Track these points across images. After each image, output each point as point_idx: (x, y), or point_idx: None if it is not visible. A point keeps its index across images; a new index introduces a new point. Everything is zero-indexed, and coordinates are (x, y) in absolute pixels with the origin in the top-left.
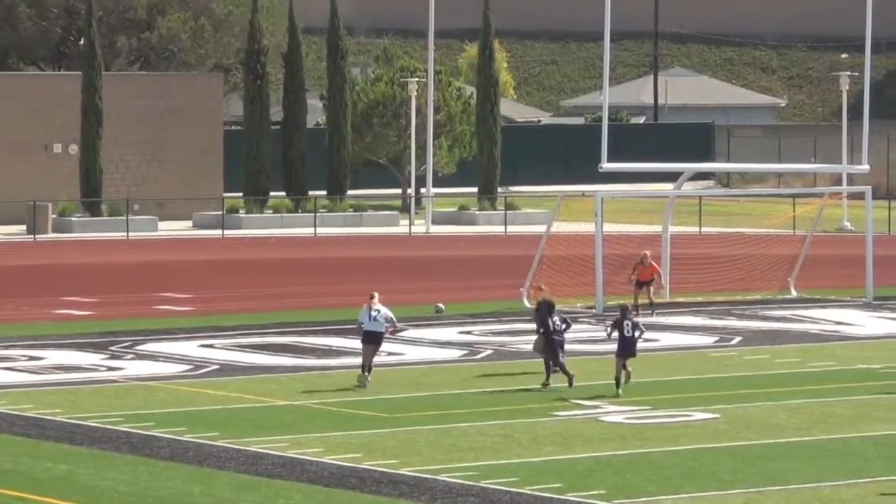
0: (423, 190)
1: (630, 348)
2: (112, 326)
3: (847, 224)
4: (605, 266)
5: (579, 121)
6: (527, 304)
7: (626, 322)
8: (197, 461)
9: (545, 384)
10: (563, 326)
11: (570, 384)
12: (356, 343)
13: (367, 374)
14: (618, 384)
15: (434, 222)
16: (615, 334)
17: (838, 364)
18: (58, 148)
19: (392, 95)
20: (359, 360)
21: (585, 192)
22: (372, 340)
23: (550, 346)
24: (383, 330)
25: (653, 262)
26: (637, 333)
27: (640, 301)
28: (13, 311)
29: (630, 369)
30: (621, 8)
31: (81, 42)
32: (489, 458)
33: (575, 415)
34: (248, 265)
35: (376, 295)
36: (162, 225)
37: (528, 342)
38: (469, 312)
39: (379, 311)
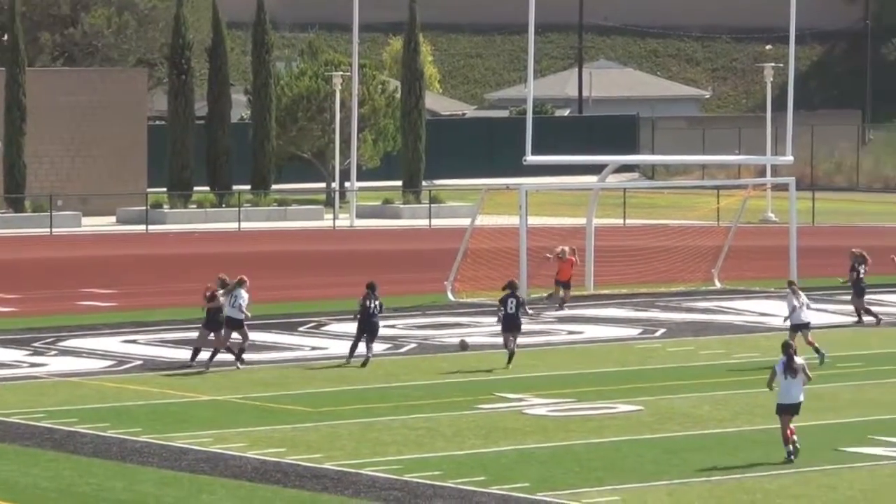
0: (347, 184)
1: (514, 322)
2: (35, 322)
3: (771, 215)
4: (530, 259)
5: (504, 114)
6: (451, 297)
7: (510, 300)
8: (120, 457)
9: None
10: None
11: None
12: (280, 337)
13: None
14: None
15: (358, 216)
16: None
17: (762, 355)
18: None
19: (316, 89)
20: (281, 355)
21: (510, 185)
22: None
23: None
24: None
25: (571, 256)
26: (521, 310)
27: (560, 293)
28: None
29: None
30: (546, 0)
31: (5, 38)
32: (413, 452)
33: (499, 407)
34: (171, 260)
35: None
36: (86, 220)
37: (452, 335)
38: (393, 306)
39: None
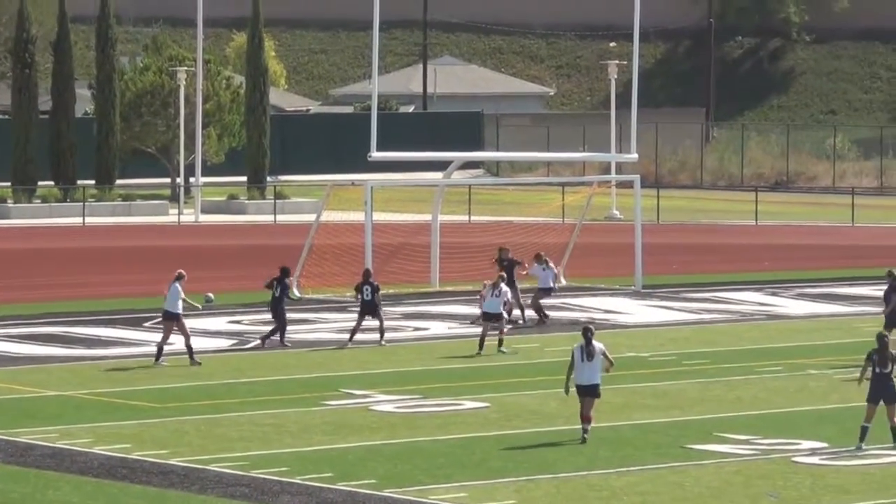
0: (192, 179)
1: (370, 307)
2: None
3: (616, 212)
4: (375, 255)
5: (349, 110)
6: (296, 293)
7: (365, 286)
8: None
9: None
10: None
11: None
12: (125, 332)
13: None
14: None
15: (203, 211)
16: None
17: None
18: None
19: (161, 84)
20: (127, 351)
21: (355, 181)
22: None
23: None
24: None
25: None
26: (377, 296)
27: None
28: None
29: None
30: None
31: None
32: (260, 448)
33: (346, 404)
34: (16, 255)
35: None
36: None
37: (298, 331)
38: (239, 302)
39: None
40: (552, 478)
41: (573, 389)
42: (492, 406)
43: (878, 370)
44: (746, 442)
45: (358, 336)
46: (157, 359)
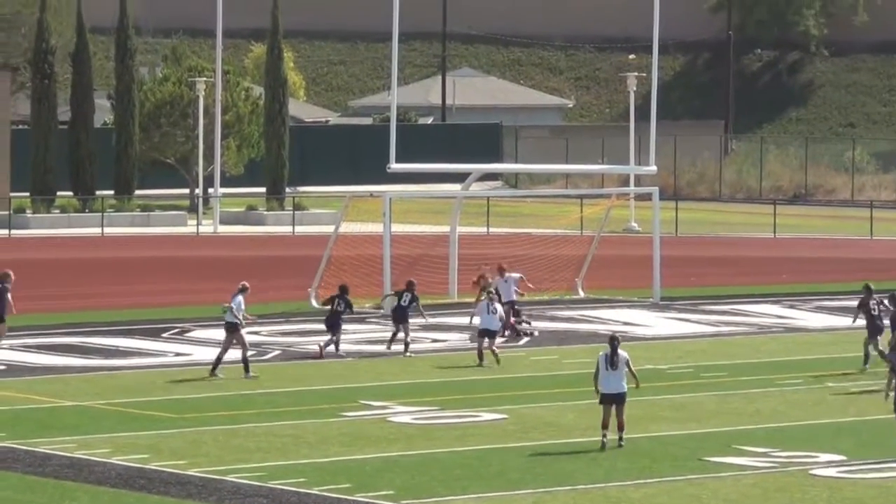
0: (210, 190)
1: (402, 315)
2: None
3: (634, 225)
4: (394, 267)
5: (367, 121)
6: (314, 304)
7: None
8: None
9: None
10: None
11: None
12: (144, 343)
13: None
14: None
15: (222, 222)
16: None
17: (632, 364)
18: None
19: (180, 95)
20: (145, 361)
21: (374, 193)
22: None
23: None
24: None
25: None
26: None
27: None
28: None
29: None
30: (409, 8)
31: None
32: (277, 459)
33: (363, 415)
34: (35, 265)
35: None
36: None
37: (316, 343)
38: (257, 313)
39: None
40: (570, 489)
41: (598, 397)
42: (509, 418)
43: None
44: (764, 455)
45: (378, 347)
46: (213, 371)
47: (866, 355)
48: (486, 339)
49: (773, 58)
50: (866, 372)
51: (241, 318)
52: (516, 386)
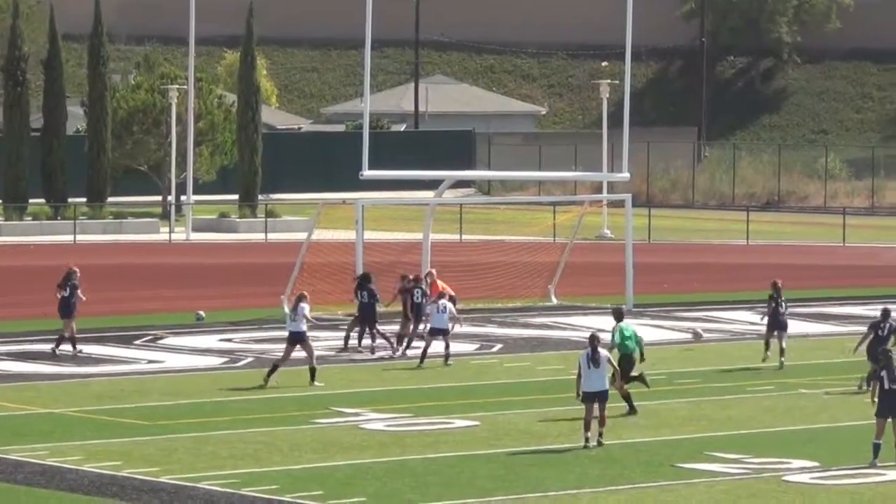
0: (183, 197)
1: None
2: None
3: (607, 232)
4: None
5: (340, 128)
6: (286, 311)
7: (416, 290)
8: None
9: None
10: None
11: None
12: (116, 350)
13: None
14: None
15: (194, 230)
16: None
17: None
18: None
19: (153, 103)
20: (117, 368)
21: (346, 200)
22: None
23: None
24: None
25: (438, 281)
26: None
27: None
28: None
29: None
30: (382, 15)
31: None
32: (250, 466)
33: (336, 422)
34: (6, 273)
35: None
36: None
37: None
38: (230, 320)
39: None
40: (541, 496)
41: (580, 397)
42: (482, 424)
43: (886, 386)
44: (737, 461)
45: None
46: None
47: (767, 343)
48: (432, 338)
49: (747, 65)
50: (766, 360)
51: (306, 324)
52: (489, 393)
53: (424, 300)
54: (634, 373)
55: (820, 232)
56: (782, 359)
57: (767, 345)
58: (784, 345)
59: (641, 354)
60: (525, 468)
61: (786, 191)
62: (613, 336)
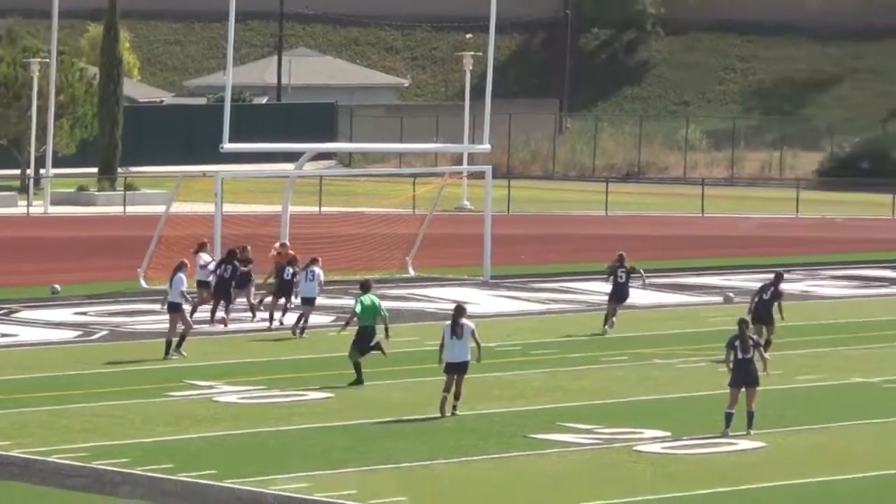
0: (42, 171)
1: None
2: None
3: (467, 203)
4: (224, 247)
5: (202, 101)
6: (144, 284)
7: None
8: None
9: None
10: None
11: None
12: None
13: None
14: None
15: (53, 203)
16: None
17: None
18: None
19: (14, 76)
20: None
21: (206, 173)
22: None
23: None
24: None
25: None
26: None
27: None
28: None
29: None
30: None
31: None
32: (102, 439)
33: (189, 395)
34: None
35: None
36: None
37: (145, 323)
38: (86, 293)
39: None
40: (394, 468)
41: (442, 366)
42: (335, 396)
43: (740, 356)
44: (589, 431)
45: (205, 328)
46: (166, 353)
47: (608, 316)
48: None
49: (610, 37)
50: (607, 332)
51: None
52: (344, 365)
53: (295, 278)
54: (374, 343)
55: (679, 203)
56: (606, 326)
57: (609, 316)
58: (616, 318)
59: (386, 330)
60: (379, 440)
61: (646, 162)
62: (355, 306)
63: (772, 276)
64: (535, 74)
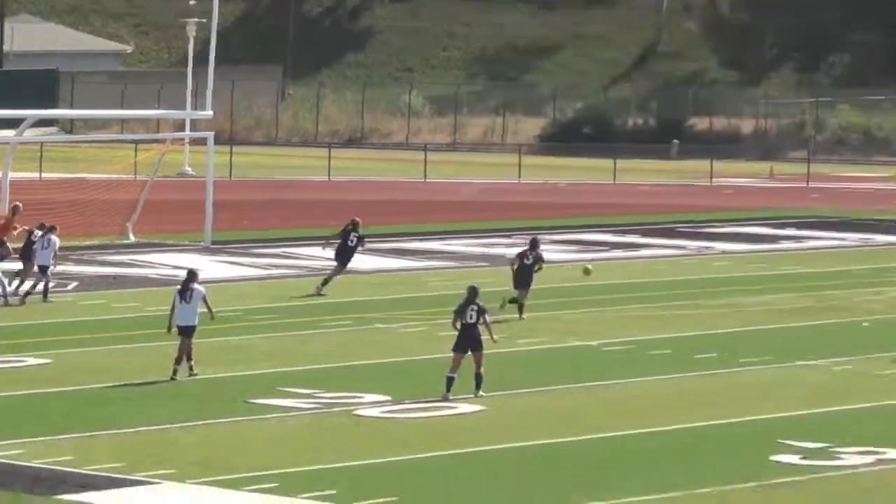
0: None
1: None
2: None
3: (188, 169)
4: None
5: None
6: None
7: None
8: None
9: None
10: None
11: None
12: None
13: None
14: None
15: None
16: None
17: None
18: None
19: None
20: None
21: None
22: None
23: None
24: None
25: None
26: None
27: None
28: None
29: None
30: None
31: None
32: None
33: None
34: None
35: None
36: None
37: None
38: None
39: None
40: (115, 433)
41: (175, 330)
42: (53, 362)
43: (465, 321)
44: (309, 396)
45: None
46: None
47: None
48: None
49: (334, 3)
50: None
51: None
52: (63, 331)
53: (36, 245)
54: None
55: (402, 168)
56: (320, 285)
57: (328, 280)
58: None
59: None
60: (99, 406)
61: (369, 128)
62: None
63: (527, 243)
64: (260, 41)
